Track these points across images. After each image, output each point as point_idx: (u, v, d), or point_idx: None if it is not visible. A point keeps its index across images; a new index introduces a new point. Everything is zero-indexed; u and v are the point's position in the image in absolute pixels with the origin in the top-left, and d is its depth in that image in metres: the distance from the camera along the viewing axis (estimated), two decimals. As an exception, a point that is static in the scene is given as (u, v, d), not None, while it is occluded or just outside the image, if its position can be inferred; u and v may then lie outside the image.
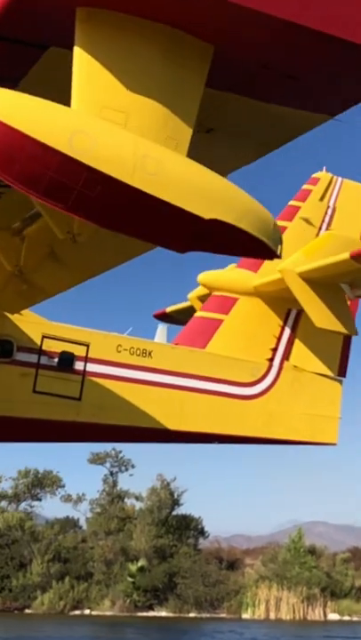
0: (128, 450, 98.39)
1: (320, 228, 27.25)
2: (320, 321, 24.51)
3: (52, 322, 23.07)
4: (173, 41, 10.46)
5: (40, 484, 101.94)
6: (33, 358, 22.18)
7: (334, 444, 26.66)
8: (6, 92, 9.71)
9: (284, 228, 26.88)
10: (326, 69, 11.06)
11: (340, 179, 28.11)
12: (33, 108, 9.59)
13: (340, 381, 27.10)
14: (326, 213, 27.62)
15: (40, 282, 18.75)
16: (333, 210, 27.72)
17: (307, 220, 27.10)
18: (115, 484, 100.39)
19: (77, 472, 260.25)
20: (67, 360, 22.59)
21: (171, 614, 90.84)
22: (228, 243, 11.03)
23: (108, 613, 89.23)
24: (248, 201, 10.96)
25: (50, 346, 22.42)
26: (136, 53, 10.43)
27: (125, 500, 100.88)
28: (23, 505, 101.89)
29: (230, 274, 26.63)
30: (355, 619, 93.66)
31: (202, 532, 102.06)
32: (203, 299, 27.42)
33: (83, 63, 10.22)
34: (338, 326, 24.68)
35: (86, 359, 22.79)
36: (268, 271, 25.64)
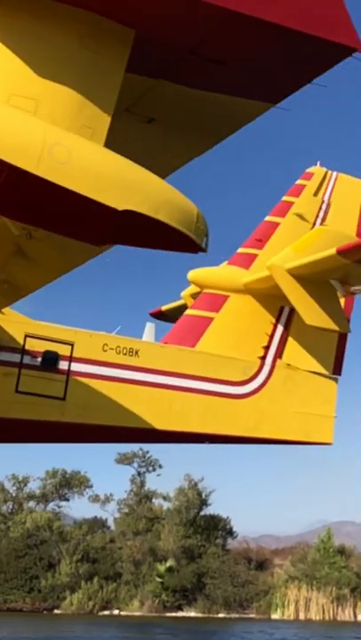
0: (155, 450, 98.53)
1: (314, 224, 26.71)
2: (310, 318, 24.05)
3: (36, 321, 22.83)
4: (89, 25, 10.17)
5: (68, 484, 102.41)
6: (16, 358, 21.93)
7: (330, 444, 26.15)
8: None
9: (277, 225, 26.51)
10: (258, 55, 10.68)
11: (335, 173, 27.59)
12: None
13: (336, 380, 26.55)
14: (321, 209, 27.09)
15: (12, 279, 18.53)
16: (328, 205, 27.19)
17: (300, 216, 26.61)
18: (142, 484, 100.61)
19: (105, 472, 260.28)
20: (50, 359, 22.31)
21: (200, 615, 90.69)
22: (146, 235, 10.63)
23: (137, 614, 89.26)
24: (168, 191, 10.57)
25: (33, 345, 22.14)
26: (48, 39, 10.13)
27: (153, 500, 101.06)
28: (51, 505, 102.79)
29: (220, 271, 26.20)
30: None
31: (230, 533, 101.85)
32: (196, 296, 27.02)
33: None
34: (329, 324, 24.19)
35: (71, 358, 22.51)
36: (260, 268, 25.23)
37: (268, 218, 26.75)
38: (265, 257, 25.18)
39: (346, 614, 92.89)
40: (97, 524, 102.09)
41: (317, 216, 27.00)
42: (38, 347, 22.23)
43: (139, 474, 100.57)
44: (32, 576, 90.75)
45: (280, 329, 25.99)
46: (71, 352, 22.52)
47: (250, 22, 9.76)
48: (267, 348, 25.77)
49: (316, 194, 27.12)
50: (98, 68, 10.49)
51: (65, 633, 69.00)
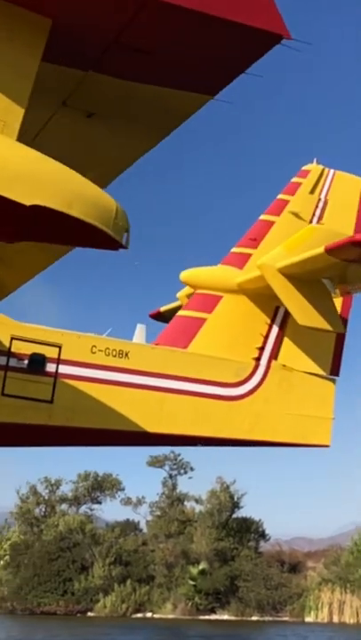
0: (187, 453, 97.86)
1: (311, 222, 26.25)
2: (303, 318, 23.65)
3: (23, 323, 22.68)
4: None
5: (100, 487, 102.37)
6: (1, 360, 21.75)
7: (327, 446, 25.70)
8: None
9: (272, 223, 26.12)
10: (184, 44, 10.43)
11: (331, 170, 27.11)
12: None
13: (334, 380, 26.11)
14: (317, 207, 26.64)
15: None
16: (325, 203, 26.72)
17: (296, 215, 26.18)
18: (174, 486, 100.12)
19: (137, 475, 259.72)
20: (37, 362, 22.13)
21: (233, 618, 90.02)
22: (60, 231, 10.28)
23: (171, 616, 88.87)
24: (83, 185, 10.21)
25: (19, 347, 21.97)
26: None
27: (185, 502, 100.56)
28: (83, 508, 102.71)
29: (213, 271, 25.83)
30: None
31: (263, 535, 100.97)
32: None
33: None
34: (322, 324, 23.75)
35: (58, 361, 22.32)
36: (254, 268, 24.85)
37: (262, 216, 26.35)
38: (259, 256, 24.76)
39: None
40: (129, 527, 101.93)
41: (314, 214, 26.54)
42: (25, 349, 22.05)
43: (170, 476, 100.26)
44: (65, 579, 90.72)
45: (275, 329, 25.58)
46: (59, 354, 22.32)
47: (170, 9, 9.52)
48: (261, 348, 25.39)
49: (312, 192, 26.66)
50: (9, 58, 10.13)
51: (101, 636, 69.07)
